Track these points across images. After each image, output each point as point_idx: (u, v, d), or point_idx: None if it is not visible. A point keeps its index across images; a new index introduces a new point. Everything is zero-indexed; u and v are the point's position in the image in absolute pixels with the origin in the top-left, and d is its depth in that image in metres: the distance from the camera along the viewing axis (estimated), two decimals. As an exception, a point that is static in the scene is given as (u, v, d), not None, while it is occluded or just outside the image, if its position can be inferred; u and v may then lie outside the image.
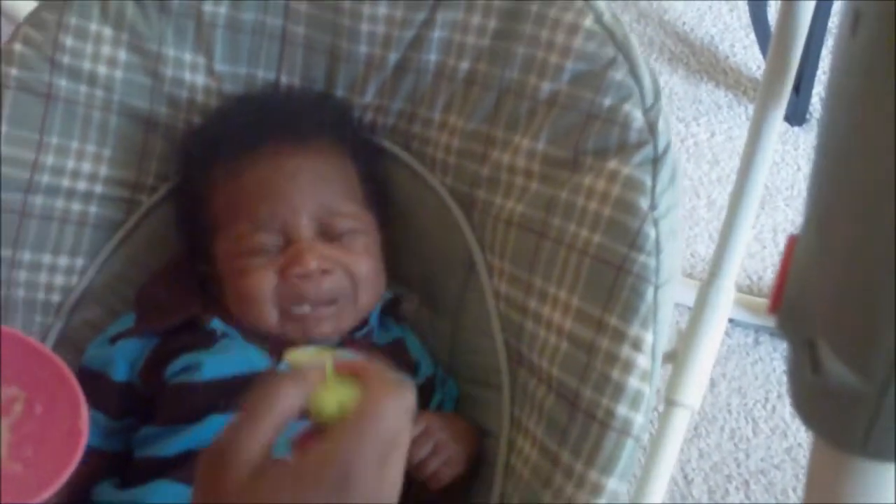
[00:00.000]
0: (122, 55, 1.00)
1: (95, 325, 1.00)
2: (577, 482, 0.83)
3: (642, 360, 0.84)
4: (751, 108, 1.52)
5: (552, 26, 0.94)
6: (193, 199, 1.00)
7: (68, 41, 0.97)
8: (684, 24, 2.00)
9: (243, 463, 0.61)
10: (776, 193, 1.72)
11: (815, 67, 1.77)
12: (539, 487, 0.86)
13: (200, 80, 1.03)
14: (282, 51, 1.03)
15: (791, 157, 1.77)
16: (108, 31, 0.99)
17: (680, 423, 0.99)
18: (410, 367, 0.99)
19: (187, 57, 1.02)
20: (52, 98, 0.97)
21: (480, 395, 0.97)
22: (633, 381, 0.84)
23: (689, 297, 1.04)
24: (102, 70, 0.99)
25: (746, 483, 1.41)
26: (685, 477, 1.41)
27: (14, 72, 0.96)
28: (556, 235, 0.90)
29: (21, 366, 0.77)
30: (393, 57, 1.01)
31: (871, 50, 0.42)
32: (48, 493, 0.70)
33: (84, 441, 0.72)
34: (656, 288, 0.85)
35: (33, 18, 0.98)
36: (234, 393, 0.89)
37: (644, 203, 0.86)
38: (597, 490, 0.82)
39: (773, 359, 1.53)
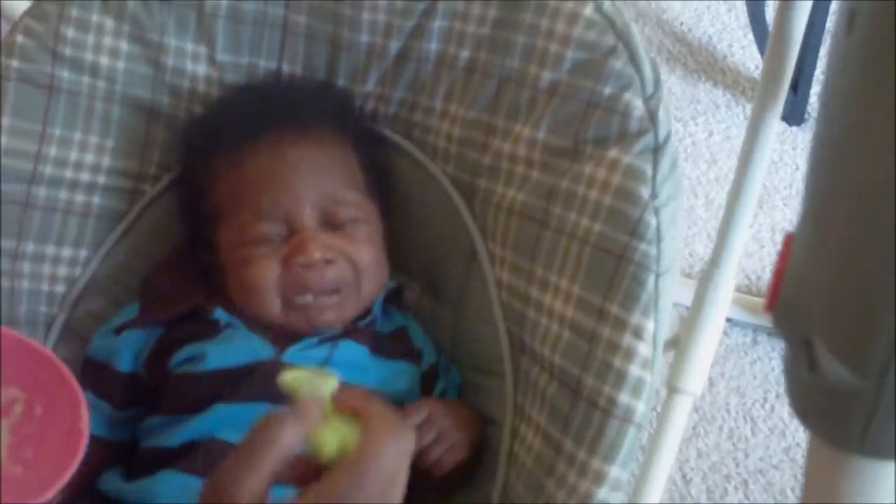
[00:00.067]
0: (124, 46, 1.00)
1: (100, 316, 1.01)
2: (580, 470, 0.84)
3: (643, 349, 0.84)
4: (749, 108, 1.51)
5: (552, 15, 0.93)
6: (196, 188, 1.00)
7: (70, 32, 0.97)
8: (682, 23, 1.99)
9: (242, 501, 0.61)
10: (774, 193, 1.72)
11: (814, 67, 1.76)
12: (542, 475, 0.86)
13: (202, 69, 1.03)
14: (283, 40, 1.03)
15: (789, 156, 1.77)
16: (109, 22, 0.99)
17: (682, 410, 1.00)
18: (414, 355, 0.99)
19: (189, 47, 1.02)
20: (54, 89, 0.97)
21: (483, 384, 0.98)
22: (635, 369, 0.84)
23: (688, 297, 1.04)
24: (104, 61, 0.99)
25: (745, 483, 1.41)
26: (684, 476, 1.41)
27: (15, 63, 0.96)
28: (557, 224, 0.91)
29: (21, 367, 0.76)
30: (394, 46, 1.01)
31: (865, 49, 0.42)
32: (48, 495, 0.70)
33: (84, 442, 0.72)
34: (657, 276, 0.85)
35: (34, 10, 0.98)
36: (237, 382, 0.91)
37: (645, 192, 0.87)
38: (599, 477, 0.83)
39: (772, 358, 1.52)
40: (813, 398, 0.50)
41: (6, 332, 0.76)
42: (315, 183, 0.96)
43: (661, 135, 0.88)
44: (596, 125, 0.90)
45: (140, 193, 1.03)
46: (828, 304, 0.48)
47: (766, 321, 1.52)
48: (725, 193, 1.04)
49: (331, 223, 0.96)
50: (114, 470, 0.93)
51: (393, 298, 1.02)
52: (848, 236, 0.45)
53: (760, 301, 1.53)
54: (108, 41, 0.99)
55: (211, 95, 1.03)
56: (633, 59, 0.90)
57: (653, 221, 0.86)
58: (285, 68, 1.04)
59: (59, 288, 1.00)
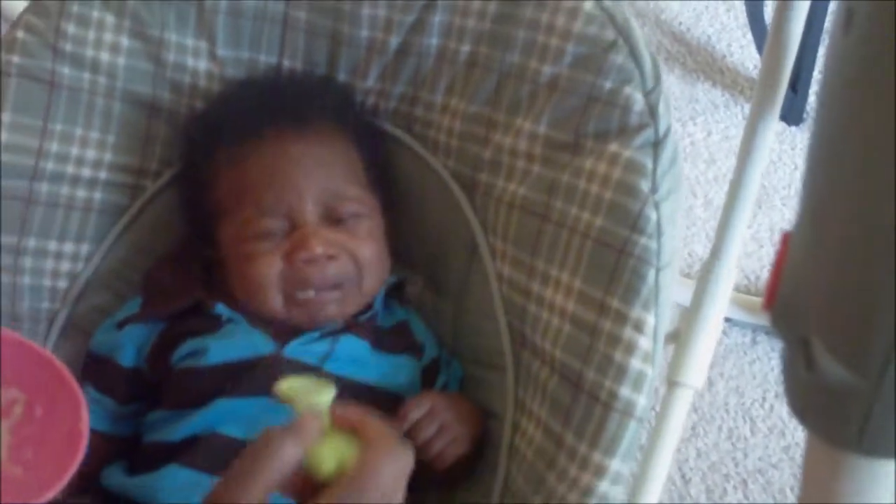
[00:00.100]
0: (125, 41, 1.00)
1: (102, 311, 1.01)
2: (581, 463, 0.84)
3: (644, 342, 0.84)
4: (747, 108, 1.51)
5: (552, 9, 0.94)
6: (197, 184, 1.00)
7: (70, 28, 0.97)
8: (681, 23, 1.99)
9: None
10: (773, 193, 1.71)
11: (812, 67, 1.76)
12: (543, 468, 0.87)
13: (203, 65, 1.03)
14: (284, 35, 1.03)
15: (788, 156, 1.77)
16: (110, 18, 0.99)
17: (682, 403, 1.00)
18: (415, 350, 0.99)
19: (189, 42, 1.02)
20: (55, 85, 0.97)
21: (484, 377, 0.98)
22: (636, 363, 0.84)
23: (687, 297, 1.04)
24: (105, 57, 0.99)
25: (744, 482, 1.41)
26: (683, 476, 1.41)
27: (16, 59, 0.96)
28: (558, 218, 0.91)
29: (21, 368, 0.76)
30: (394, 41, 1.01)
31: (863, 48, 0.42)
32: (48, 496, 0.70)
33: (85, 443, 0.72)
34: (658, 270, 0.86)
35: (35, 6, 0.98)
36: (239, 377, 0.91)
37: (645, 186, 0.87)
38: (600, 471, 0.83)
39: (771, 358, 1.52)
40: (811, 397, 0.50)
41: (6, 333, 0.76)
42: (317, 178, 0.96)
43: (662, 129, 0.88)
44: (596, 119, 0.90)
45: (141, 189, 1.03)
46: (825, 302, 0.48)
47: (765, 321, 1.51)
48: (724, 193, 1.03)
49: (332, 218, 0.96)
50: (116, 464, 0.93)
51: (394, 293, 1.03)
52: (846, 235, 0.45)
53: (759, 301, 1.51)
54: (108, 37, 0.99)
55: (212, 91, 1.03)
56: (634, 54, 0.90)
57: (653, 215, 0.86)
58: (286, 63, 1.04)
59: (62, 283, 1.00)
